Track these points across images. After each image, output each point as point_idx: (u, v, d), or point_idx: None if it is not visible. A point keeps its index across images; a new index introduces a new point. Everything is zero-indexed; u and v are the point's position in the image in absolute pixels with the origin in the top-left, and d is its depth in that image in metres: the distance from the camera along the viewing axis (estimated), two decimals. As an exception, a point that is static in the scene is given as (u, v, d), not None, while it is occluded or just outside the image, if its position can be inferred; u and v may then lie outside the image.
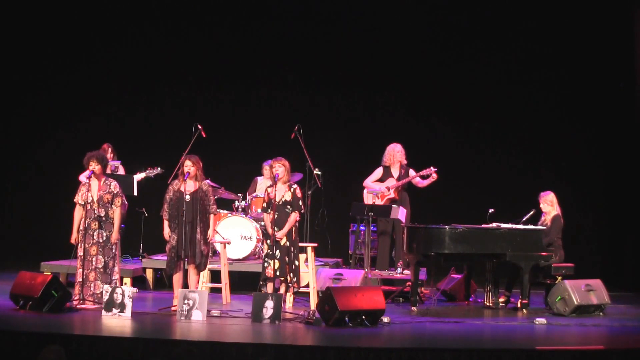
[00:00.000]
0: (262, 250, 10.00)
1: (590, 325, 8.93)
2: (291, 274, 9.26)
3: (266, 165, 11.60)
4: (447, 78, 13.09)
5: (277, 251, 9.20)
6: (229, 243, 10.59)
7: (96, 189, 9.24)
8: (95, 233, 9.18)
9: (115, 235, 9.24)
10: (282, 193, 9.34)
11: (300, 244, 10.14)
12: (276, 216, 9.25)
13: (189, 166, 9.27)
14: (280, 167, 9.33)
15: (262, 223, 10.16)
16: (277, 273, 9.18)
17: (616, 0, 12.68)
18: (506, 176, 12.97)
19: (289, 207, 9.32)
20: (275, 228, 9.22)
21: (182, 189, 9.25)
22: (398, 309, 9.75)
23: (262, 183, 11.62)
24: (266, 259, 9.25)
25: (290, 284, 9.30)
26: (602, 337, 8.58)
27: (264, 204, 9.45)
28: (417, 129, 13.14)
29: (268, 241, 9.30)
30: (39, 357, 5.91)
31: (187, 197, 9.19)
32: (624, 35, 12.61)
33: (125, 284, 10.45)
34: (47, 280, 8.76)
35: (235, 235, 11.09)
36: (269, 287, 9.21)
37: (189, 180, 9.29)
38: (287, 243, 9.30)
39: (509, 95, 13.05)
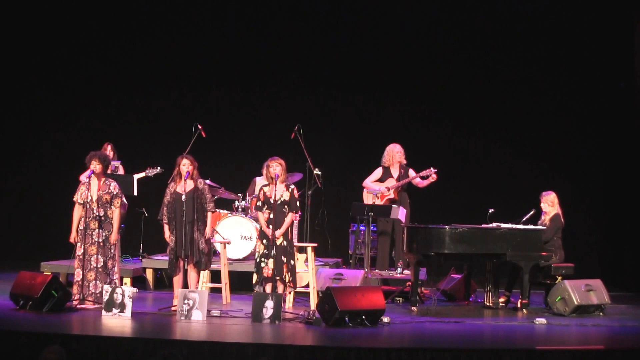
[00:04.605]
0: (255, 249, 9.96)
1: (590, 325, 8.93)
2: (289, 274, 9.25)
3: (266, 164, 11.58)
4: (447, 78, 13.09)
5: (274, 251, 9.19)
6: (229, 243, 10.59)
7: (95, 189, 9.24)
8: (94, 233, 9.18)
9: (114, 236, 9.25)
10: (281, 193, 9.33)
11: (300, 244, 10.16)
12: (272, 216, 9.23)
13: (187, 165, 9.25)
14: (277, 166, 9.33)
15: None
16: (274, 272, 9.17)
17: (616, 1, 12.68)
18: (506, 176, 12.96)
19: (286, 207, 9.32)
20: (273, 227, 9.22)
21: (178, 189, 9.24)
22: (398, 309, 9.75)
23: (260, 183, 11.57)
24: (262, 259, 9.25)
25: (287, 284, 9.28)
26: (602, 337, 8.58)
27: (259, 203, 9.43)
28: (417, 129, 13.14)
29: (264, 240, 9.30)
30: (40, 357, 5.91)
31: (184, 197, 9.17)
32: (624, 35, 12.61)
33: (125, 284, 10.45)
34: (47, 280, 8.77)
35: (235, 235, 11.08)
36: (268, 287, 9.20)
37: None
38: (284, 243, 9.29)
39: (509, 95, 13.04)
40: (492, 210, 10.13)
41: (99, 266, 9.16)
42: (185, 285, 9.27)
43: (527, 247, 9.74)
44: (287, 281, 9.24)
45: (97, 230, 9.19)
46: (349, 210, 11.06)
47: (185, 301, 8.51)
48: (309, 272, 9.95)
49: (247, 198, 11.56)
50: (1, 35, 13.49)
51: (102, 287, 8.88)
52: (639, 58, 12.43)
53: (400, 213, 10.75)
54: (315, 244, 10.20)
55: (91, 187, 9.24)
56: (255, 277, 9.30)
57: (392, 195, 11.13)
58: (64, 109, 13.59)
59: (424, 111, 13.25)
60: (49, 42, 13.54)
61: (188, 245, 9.16)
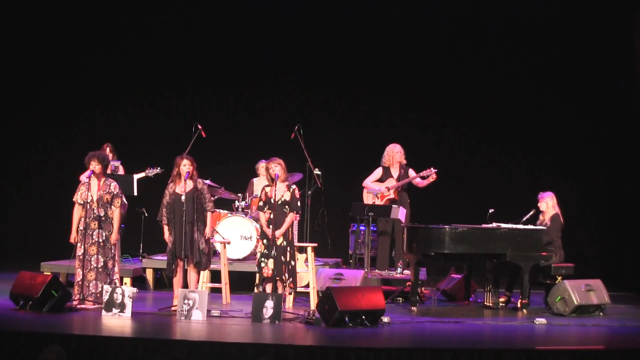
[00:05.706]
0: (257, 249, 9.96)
1: (590, 325, 8.93)
2: (287, 274, 9.24)
3: (261, 164, 11.58)
4: (447, 78, 13.09)
5: (274, 251, 9.18)
6: (229, 243, 10.59)
7: (96, 189, 9.24)
8: (94, 233, 9.18)
9: (114, 236, 9.24)
10: (282, 193, 9.33)
11: (300, 244, 10.15)
12: (273, 216, 9.23)
13: (187, 165, 9.24)
14: (276, 166, 9.32)
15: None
16: (274, 272, 9.17)
17: (616, 1, 12.68)
18: (506, 176, 12.97)
19: (287, 207, 9.32)
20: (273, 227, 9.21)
21: (177, 190, 9.23)
22: (398, 309, 9.75)
23: (258, 184, 11.57)
24: (262, 259, 9.25)
25: (286, 284, 9.28)
26: (602, 337, 8.58)
27: (261, 203, 9.44)
28: (417, 129, 13.15)
29: (264, 240, 9.30)
30: (40, 357, 5.91)
31: (183, 198, 9.16)
32: (624, 35, 12.60)
33: (125, 284, 10.45)
34: (47, 280, 8.77)
35: (235, 235, 11.08)
36: (268, 287, 9.20)
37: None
38: (284, 243, 9.28)
39: (509, 95, 13.04)
40: (492, 210, 10.13)
41: (99, 266, 9.16)
42: (185, 285, 9.26)
43: (527, 247, 9.74)
44: (285, 281, 9.23)
45: (97, 230, 9.19)
46: (349, 210, 11.06)
47: (185, 301, 8.51)
48: (309, 272, 9.95)
49: (247, 198, 11.56)
50: (4, 35, 13.49)
51: (102, 287, 8.88)
52: (639, 58, 12.43)
53: (400, 213, 10.75)
54: (315, 244, 10.19)
55: (91, 187, 9.23)
56: (258, 277, 9.31)
57: (392, 195, 11.13)
58: (64, 109, 13.59)
59: (424, 111, 13.25)
60: (50, 42, 13.54)
61: (188, 245, 9.15)
